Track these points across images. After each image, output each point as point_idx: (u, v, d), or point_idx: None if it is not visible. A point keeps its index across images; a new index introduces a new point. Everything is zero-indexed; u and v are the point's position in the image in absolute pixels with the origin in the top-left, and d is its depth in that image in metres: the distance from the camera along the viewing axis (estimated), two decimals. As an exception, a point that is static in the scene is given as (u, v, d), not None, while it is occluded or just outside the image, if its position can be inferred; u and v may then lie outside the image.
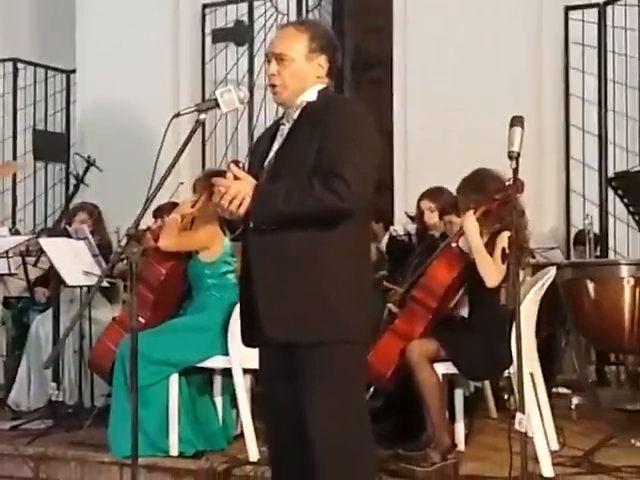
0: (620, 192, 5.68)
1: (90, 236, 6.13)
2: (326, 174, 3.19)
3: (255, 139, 4.24)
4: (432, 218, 5.99)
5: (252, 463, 5.07)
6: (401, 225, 6.72)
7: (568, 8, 7.98)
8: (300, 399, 3.34)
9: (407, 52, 8.02)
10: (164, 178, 3.45)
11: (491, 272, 4.95)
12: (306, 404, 3.32)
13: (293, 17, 8.99)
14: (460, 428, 5.23)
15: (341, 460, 3.31)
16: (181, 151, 3.61)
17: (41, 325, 6.75)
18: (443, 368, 4.95)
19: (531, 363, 4.94)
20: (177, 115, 3.63)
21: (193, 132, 3.62)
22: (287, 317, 3.32)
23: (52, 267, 5.99)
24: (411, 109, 7.74)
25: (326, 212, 3.23)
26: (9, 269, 6.64)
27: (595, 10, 7.91)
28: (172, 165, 3.49)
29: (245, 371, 5.26)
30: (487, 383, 5.88)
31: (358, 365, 3.45)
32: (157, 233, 5.66)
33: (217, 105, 3.58)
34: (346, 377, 3.34)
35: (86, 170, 6.30)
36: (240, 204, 3.18)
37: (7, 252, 6.44)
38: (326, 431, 3.29)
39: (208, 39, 9.55)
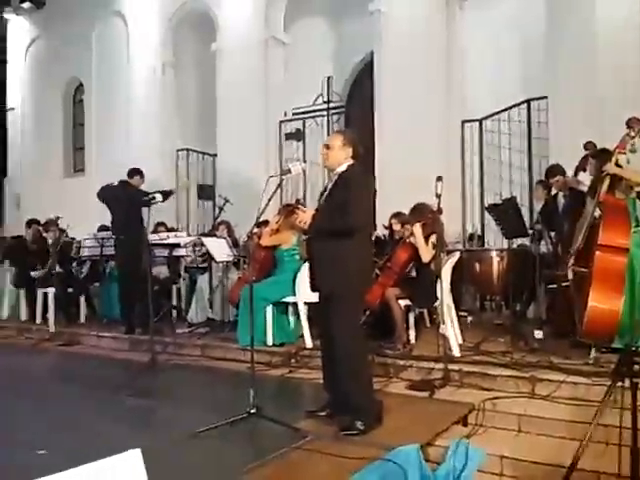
0: (492, 214, 5.70)
1: (227, 237, 6.18)
2: (343, 210, 3.32)
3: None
4: (397, 227, 5.92)
5: (308, 349, 5.14)
6: (380, 231, 6.68)
7: (463, 121, 7.86)
8: (330, 316, 3.42)
9: (380, 141, 7.90)
10: (264, 209, 3.55)
11: (426, 254, 4.96)
12: (333, 319, 3.40)
13: (325, 127, 9.07)
14: (412, 332, 5.23)
15: (349, 346, 3.37)
16: (272, 195, 3.69)
17: (203, 281, 6.80)
18: (403, 302, 4.96)
19: (448, 299, 4.91)
20: (270, 177, 3.73)
21: (278, 186, 3.70)
22: (325, 279, 3.44)
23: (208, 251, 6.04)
24: (383, 169, 7.61)
25: (342, 230, 3.34)
26: (186, 252, 6.72)
27: (477, 123, 7.82)
28: (268, 202, 3.59)
29: (305, 303, 5.28)
30: (425, 310, 5.89)
31: (358, 302, 3.53)
32: (259, 235, 5.72)
33: (289, 171, 3.66)
34: (351, 307, 3.42)
35: (224, 204, 6.38)
36: (305, 223, 3.41)
37: (186, 244, 6.51)
38: (341, 331, 3.38)
39: (283, 138, 9.53)
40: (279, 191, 8.87)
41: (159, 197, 5.35)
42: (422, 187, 4.42)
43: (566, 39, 6.75)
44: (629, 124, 4.29)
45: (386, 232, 6.34)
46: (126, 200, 6.09)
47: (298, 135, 9.43)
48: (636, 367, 1.90)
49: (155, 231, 7.11)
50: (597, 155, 4.49)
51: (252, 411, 3.45)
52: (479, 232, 7.42)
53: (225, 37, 9.62)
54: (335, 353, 3.42)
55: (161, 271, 7.05)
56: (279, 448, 3.11)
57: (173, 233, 6.65)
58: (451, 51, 7.87)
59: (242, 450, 3.24)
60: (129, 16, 10.85)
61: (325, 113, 9.34)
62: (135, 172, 6.50)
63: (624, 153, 4.26)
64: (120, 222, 6.23)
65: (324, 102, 9.40)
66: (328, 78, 9.42)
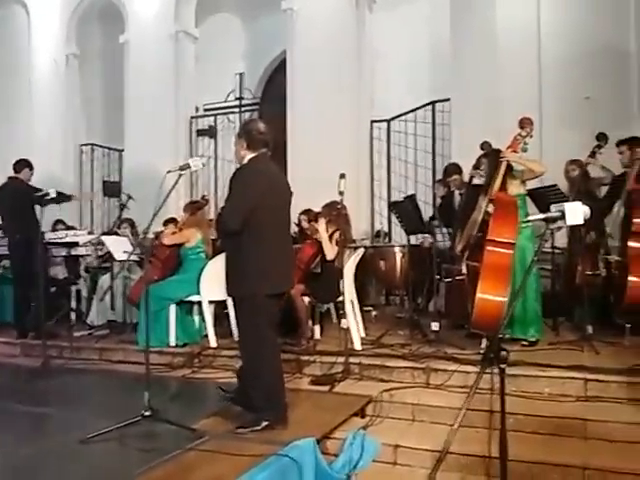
0: (394, 211, 5.82)
1: (130, 235, 5.96)
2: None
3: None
4: (305, 224, 5.97)
5: (212, 348, 5.05)
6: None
7: (373, 121, 7.95)
8: (237, 317, 3.44)
9: (293, 139, 7.84)
10: (161, 206, 3.43)
11: (330, 251, 5.00)
12: (239, 319, 3.42)
13: (237, 124, 8.82)
14: (317, 328, 5.25)
15: (250, 349, 3.35)
16: (171, 190, 3.56)
17: (105, 281, 6.48)
18: (307, 298, 4.99)
19: (351, 295, 5.01)
20: (168, 172, 3.58)
21: (176, 181, 3.54)
22: (227, 280, 3.34)
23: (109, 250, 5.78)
24: (296, 166, 7.56)
25: (222, 231, 3.34)
26: (86, 252, 6.42)
27: (386, 123, 7.93)
28: (165, 198, 3.47)
29: (210, 302, 5.20)
30: (332, 305, 5.77)
31: (261, 304, 3.27)
32: (164, 234, 5.62)
33: (189, 166, 3.55)
34: (252, 308, 3.28)
35: (127, 201, 6.16)
36: None
37: (85, 243, 6.21)
38: (243, 333, 3.40)
39: (194, 134, 9.30)
40: (189, 188, 8.92)
41: (53, 193, 5.05)
42: (333, 185, 4.42)
43: (468, 43, 7.03)
44: (521, 124, 4.54)
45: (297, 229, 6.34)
46: (18, 197, 5.71)
47: (210, 131, 9.24)
48: (503, 354, 1.98)
49: (53, 229, 6.76)
50: (489, 155, 4.70)
51: (147, 414, 3.37)
52: (386, 229, 7.55)
53: (134, 29, 9.27)
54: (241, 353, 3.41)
55: (59, 271, 6.72)
56: (174, 450, 3.05)
57: (72, 231, 6.32)
58: (361, 52, 7.95)
59: (135, 454, 3.13)
60: (31, 4, 10.23)
61: (238, 110, 9.23)
62: (23, 164, 6.02)
63: (516, 152, 4.50)
64: (13, 221, 5.84)
65: (236, 99, 9.32)
66: (240, 75, 9.35)
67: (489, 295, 3.81)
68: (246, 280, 3.23)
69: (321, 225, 5.02)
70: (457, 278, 4.59)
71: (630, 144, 4.74)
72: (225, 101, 9.32)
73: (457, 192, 5.40)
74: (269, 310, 3.34)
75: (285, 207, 3.50)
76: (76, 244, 5.99)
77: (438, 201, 5.83)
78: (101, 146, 9.81)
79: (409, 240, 5.42)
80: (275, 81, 9.61)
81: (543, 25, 7.15)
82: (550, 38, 7.08)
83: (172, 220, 5.95)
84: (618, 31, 6.84)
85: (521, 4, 7.20)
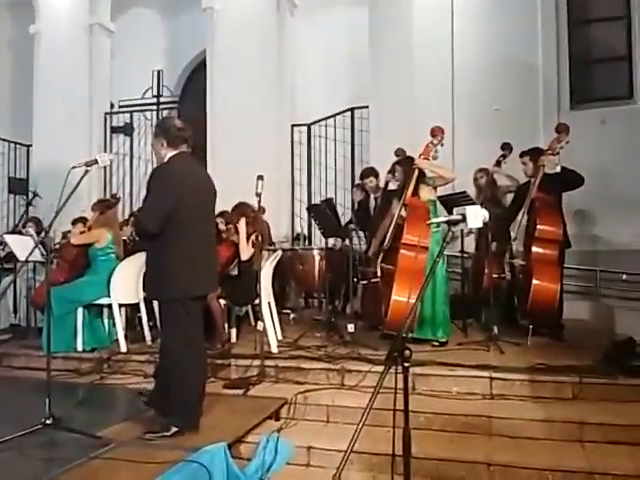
0: (312, 214, 5.87)
1: (34, 234, 5.65)
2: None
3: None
4: (222, 226, 5.85)
5: (122, 353, 4.89)
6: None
7: (293, 125, 7.97)
8: (161, 320, 3.36)
9: (213, 139, 7.70)
10: (64, 204, 3.27)
11: (245, 252, 4.98)
12: (163, 322, 3.32)
13: (155, 122, 8.61)
14: (233, 331, 5.19)
15: (169, 355, 3.25)
16: (75, 187, 3.39)
17: (7, 283, 6.07)
18: (223, 301, 4.93)
19: (268, 297, 4.98)
20: (73, 167, 3.40)
21: (82, 178, 3.38)
22: (146, 283, 3.37)
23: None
24: (215, 168, 7.22)
25: (140, 232, 3.27)
26: (-13, 253, 6.05)
27: (306, 127, 7.97)
28: (69, 196, 3.31)
29: (120, 305, 5.05)
30: (250, 307, 5.75)
31: (182, 307, 3.18)
32: (72, 234, 5.39)
33: (96, 162, 3.41)
34: (173, 313, 3.20)
35: (32, 198, 5.85)
36: None
37: (-14, 244, 5.86)
38: (164, 338, 3.31)
39: (108, 132, 8.97)
40: (103, 186, 8.58)
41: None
42: (253, 187, 4.37)
43: (385, 54, 7.22)
44: (433, 133, 4.71)
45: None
46: None
47: (126, 129, 8.92)
48: (407, 353, 2.03)
49: (-50, 228, 6.34)
50: (403, 161, 4.84)
51: (48, 422, 3.22)
52: (306, 232, 7.59)
53: (45, 19, 8.81)
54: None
55: (-43, 273, 6.27)
56: (77, 458, 2.94)
57: (-29, 230, 5.94)
58: (282, 55, 7.95)
59: (35, 464, 2.98)
60: None
61: (155, 107, 8.97)
62: None
63: (428, 159, 4.67)
64: None
65: (154, 96, 9.06)
66: (159, 72, 9.10)
67: (403, 297, 3.92)
68: (170, 283, 3.14)
69: (241, 226, 4.98)
70: (372, 281, 4.67)
71: (532, 155, 5.00)
72: (142, 98, 9.03)
73: (373, 196, 5.52)
74: (194, 312, 3.26)
75: (208, 206, 3.43)
76: (-26, 244, 5.62)
77: (356, 206, 5.92)
78: (7, 140, 9.17)
79: (327, 243, 5.46)
80: (195, 80, 9.44)
81: (456, 39, 7.50)
82: (463, 52, 7.43)
83: (81, 219, 5.70)
84: (526, 47, 7.29)
85: (436, 19, 7.51)
